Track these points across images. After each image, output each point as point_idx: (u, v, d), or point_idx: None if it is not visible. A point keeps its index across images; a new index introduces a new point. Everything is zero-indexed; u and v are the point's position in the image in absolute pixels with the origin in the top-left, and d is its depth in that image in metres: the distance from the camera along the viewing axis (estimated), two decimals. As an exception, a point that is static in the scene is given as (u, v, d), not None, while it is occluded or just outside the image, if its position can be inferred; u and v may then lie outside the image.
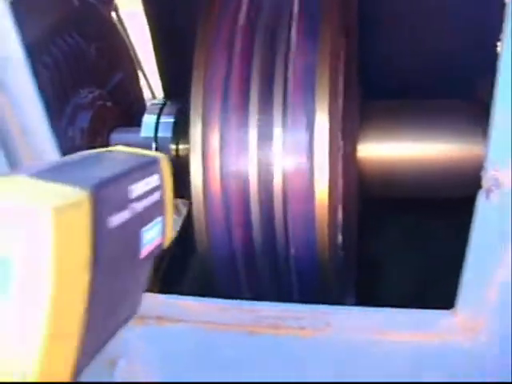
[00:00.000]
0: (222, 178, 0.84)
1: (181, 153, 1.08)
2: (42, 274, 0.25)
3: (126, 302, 0.30)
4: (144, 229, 0.31)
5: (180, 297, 0.71)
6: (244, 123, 0.84)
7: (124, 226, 0.29)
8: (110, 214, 0.28)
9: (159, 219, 0.33)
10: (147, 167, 0.34)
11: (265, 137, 0.84)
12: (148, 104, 1.24)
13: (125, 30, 1.23)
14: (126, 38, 1.24)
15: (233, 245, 0.87)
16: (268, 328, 0.70)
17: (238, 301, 0.70)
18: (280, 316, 0.69)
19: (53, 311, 0.24)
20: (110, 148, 0.38)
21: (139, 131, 1.06)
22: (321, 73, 0.82)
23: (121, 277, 0.28)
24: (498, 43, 0.56)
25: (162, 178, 0.35)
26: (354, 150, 0.97)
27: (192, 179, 0.83)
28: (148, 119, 1.08)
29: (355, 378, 0.73)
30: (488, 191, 0.57)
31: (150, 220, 0.32)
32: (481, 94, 0.93)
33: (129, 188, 0.30)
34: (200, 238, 0.85)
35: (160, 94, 1.40)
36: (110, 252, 0.28)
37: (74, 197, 0.26)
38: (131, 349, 0.74)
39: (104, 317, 0.28)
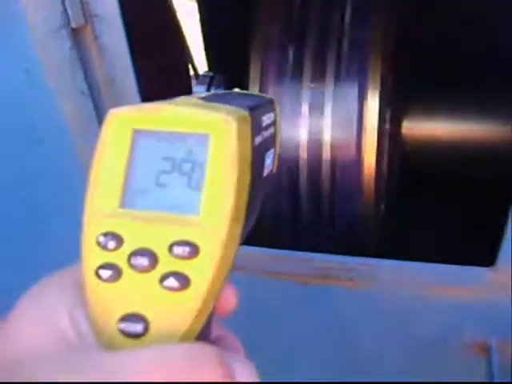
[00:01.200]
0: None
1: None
2: (229, 175, 0.30)
3: (252, 215, 0.34)
4: (266, 154, 0.36)
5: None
6: (297, 95, 0.90)
7: (259, 146, 0.33)
8: (255, 134, 0.33)
9: (272, 150, 0.37)
10: (268, 104, 0.38)
11: (316, 108, 0.89)
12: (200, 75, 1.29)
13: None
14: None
15: (282, 205, 0.92)
16: (318, 279, 0.75)
17: (292, 251, 0.75)
18: (331, 267, 0.74)
19: (235, 202, 0.30)
20: (232, 90, 0.44)
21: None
22: (373, 48, 0.88)
23: (254, 189, 0.33)
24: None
25: (275, 116, 0.39)
26: (400, 126, 1.02)
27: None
28: (198, 90, 1.14)
29: (397, 333, 0.79)
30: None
31: (268, 149, 0.36)
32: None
33: (262, 117, 0.35)
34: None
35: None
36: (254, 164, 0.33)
37: (242, 113, 0.32)
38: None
39: (247, 224, 0.33)
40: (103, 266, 0.30)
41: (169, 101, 0.34)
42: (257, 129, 0.34)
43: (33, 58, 0.64)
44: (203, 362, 0.27)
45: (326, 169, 0.91)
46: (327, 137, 0.89)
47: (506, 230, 0.67)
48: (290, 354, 0.85)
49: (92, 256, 0.30)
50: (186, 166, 0.31)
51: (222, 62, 1.30)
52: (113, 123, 0.32)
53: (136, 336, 0.29)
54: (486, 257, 0.71)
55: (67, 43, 0.63)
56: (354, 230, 0.95)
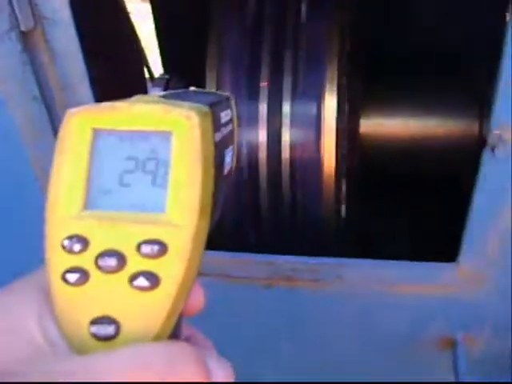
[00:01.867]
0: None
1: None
2: (194, 171, 0.30)
3: (216, 213, 0.34)
4: (226, 151, 0.35)
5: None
6: (255, 95, 0.89)
7: (219, 143, 0.33)
8: (215, 130, 0.33)
9: (231, 147, 0.37)
10: (226, 101, 0.38)
11: (274, 108, 0.88)
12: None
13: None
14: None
15: (242, 209, 0.92)
16: (282, 281, 0.74)
17: (254, 254, 0.74)
18: (294, 268, 0.74)
19: (202, 197, 0.30)
20: (189, 88, 0.43)
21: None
22: (330, 47, 0.87)
23: (217, 185, 0.33)
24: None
25: (233, 113, 0.39)
26: (357, 124, 1.02)
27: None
28: (155, 92, 1.12)
29: (363, 331, 0.79)
30: (493, 147, 0.63)
31: (228, 146, 0.36)
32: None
33: (220, 114, 0.35)
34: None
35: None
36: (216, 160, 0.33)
37: (202, 109, 0.32)
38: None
39: (212, 221, 0.32)
40: (70, 270, 0.29)
41: (128, 100, 0.33)
42: (216, 125, 0.34)
43: (-19, 62, 0.61)
44: (181, 360, 0.27)
45: (285, 169, 0.90)
46: (286, 137, 0.89)
47: (467, 226, 0.68)
48: (256, 357, 0.84)
49: (57, 260, 0.30)
50: (150, 165, 0.31)
51: (177, 64, 1.28)
52: (71, 123, 0.31)
53: (108, 338, 0.29)
54: (448, 252, 0.71)
55: (17, 46, 0.60)
56: (315, 230, 0.94)
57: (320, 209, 0.91)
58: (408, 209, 1.15)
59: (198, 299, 0.33)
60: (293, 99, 0.88)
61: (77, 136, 0.31)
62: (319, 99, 0.87)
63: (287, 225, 0.93)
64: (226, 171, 0.36)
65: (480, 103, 1.00)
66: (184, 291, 0.30)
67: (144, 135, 0.31)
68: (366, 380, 0.82)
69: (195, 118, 0.31)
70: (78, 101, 0.64)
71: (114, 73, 1.17)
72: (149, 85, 1.31)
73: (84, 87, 0.65)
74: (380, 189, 1.10)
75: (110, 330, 0.29)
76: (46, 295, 0.30)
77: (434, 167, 1.07)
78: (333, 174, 0.88)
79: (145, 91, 1.22)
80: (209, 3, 0.95)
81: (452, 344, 0.78)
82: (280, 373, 0.85)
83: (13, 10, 0.58)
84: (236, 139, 0.39)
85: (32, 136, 0.66)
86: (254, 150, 0.89)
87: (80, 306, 0.29)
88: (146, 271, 0.29)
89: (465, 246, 0.69)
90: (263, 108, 0.89)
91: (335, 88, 0.87)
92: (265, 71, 0.89)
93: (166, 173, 0.31)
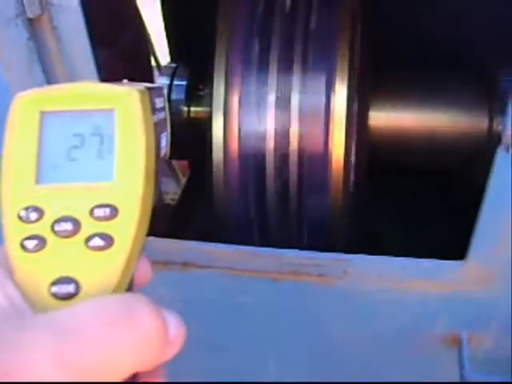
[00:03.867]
0: (241, 137, 0.88)
1: (192, 115, 1.11)
2: (138, 140, 0.33)
3: (156, 190, 0.36)
4: (161, 135, 0.38)
5: (205, 243, 0.74)
6: (263, 86, 0.88)
7: (156, 125, 0.36)
8: (152, 111, 0.36)
9: (165, 133, 0.40)
10: (159, 90, 0.40)
11: (283, 99, 0.87)
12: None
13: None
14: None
15: (248, 199, 0.91)
16: (289, 275, 0.74)
17: (262, 248, 0.74)
18: (301, 263, 0.73)
19: (146, 163, 0.33)
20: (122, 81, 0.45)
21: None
22: (339, 39, 0.86)
23: (157, 162, 0.35)
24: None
25: (165, 103, 0.41)
26: (367, 117, 1.01)
27: (213, 137, 0.87)
28: (161, 81, 1.11)
29: (368, 327, 0.78)
30: (507, 147, 0.62)
31: (162, 131, 0.39)
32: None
33: (155, 99, 0.38)
34: (217, 189, 0.89)
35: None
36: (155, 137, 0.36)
37: (141, 88, 0.35)
38: (154, 294, 0.77)
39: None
40: (27, 238, 0.31)
41: (72, 83, 0.36)
42: (153, 108, 0.36)
43: (-14, 50, 0.60)
44: (139, 307, 0.29)
45: (293, 161, 0.89)
46: (294, 128, 0.87)
47: (477, 223, 0.67)
48: (262, 352, 0.84)
49: (15, 230, 0.32)
50: (95, 140, 0.34)
51: (184, 52, 1.27)
52: (19, 107, 0.34)
53: (69, 297, 0.30)
54: (456, 250, 0.70)
55: (24, 33, 0.59)
56: (322, 224, 0.93)
57: (327, 202, 0.90)
58: (416, 204, 1.14)
59: (145, 270, 0.35)
60: (302, 89, 0.87)
61: (24, 119, 0.33)
62: (329, 90, 0.86)
63: (293, 219, 0.92)
64: (162, 153, 0.38)
65: (490, 97, 0.98)
66: (135, 249, 0.32)
67: (88, 113, 0.34)
68: (371, 376, 0.81)
69: (135, 94, 0.34)
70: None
71: (121, 61, 1.16)
72: (155, 73, 1.30)
73: (91, 74, 0.64)
74: (388, 183, 1.08)
75: (69, 288, 0.31)
76: (7, 266, 0.31)
77: (444, 162, 1.05)
78: (341, 166, 0.87)
79: (151, 80, 1.21)
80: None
81: (457, 342, 0.77)
82: (284, 368, 0.85)
83: (19, -3, 0.57)
84: (169, 127, 0.41)
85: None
86: (261, 140, 0.88)
87: (40, 270, 0.31)
88: (100, 233, 0.31)
89: (474, 243, 0.68)
90: (272, 97, 0.88)
91: (345, 79, 0.85)
92: (274, 60, 0.88)
93: (111, 146, 0.33)
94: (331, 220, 0.92)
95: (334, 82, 0.86)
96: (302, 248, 0.79)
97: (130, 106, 0.34)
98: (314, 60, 0.87)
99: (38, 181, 0.33)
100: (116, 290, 0.31)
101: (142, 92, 0.35)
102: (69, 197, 0.32)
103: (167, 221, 1.23)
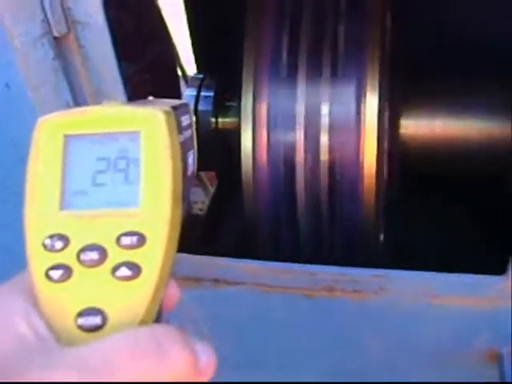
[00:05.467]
0: (270, 148, 0.86)
1: (220, 126, 1.10)
2: (165, 164, 0.32)
3: (184, 210, 0.35)
4: (188, 154, 0.37)
5: (237, 260, 0.73)
6: (293, 95, 0.86)
7: (182, 144, 0.35)
8: (178, 131, 0.35)
9: (192, 151, 0.39)
10: (185, 107, 0.40)
11: (313, 109, 0.86)
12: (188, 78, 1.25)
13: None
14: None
15: (278, 210, 0.89)
16: (323, 291, 0.72)
17: (295, 264, 0.72)
18: (335, 279, 0.71)
19: (173, 188, 0.32)
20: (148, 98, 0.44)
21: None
22: (370, 45, 0.84)
23: (184, 182, 0.35)
24: None
25: (191, 119, 0.40)
26: (398, 125, 0.98)
27: (242, 148, 0.86)
28: (189, 92, 1.10)
29: (405, 343, 0.76)
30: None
31: (189, 149, 0.38)
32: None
33: (181, 118, 0.37)
34: (247, 200, 0.87)
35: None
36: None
37: (166, 109, 0.34)
38: (185, 311, 0.76)
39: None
40: (53, 267, 0.31)
41: (96, 105, 0.36)
42: (179, 127, 0.35)
43: (13, 70, 0.60)
44: (168, 340, 0.28)
45: (323, 172, 0.87)
46: (325, 138, 0.86)
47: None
48: (296, 368, 0.82)
49: (40, 259, 0.31)
50: (121, 164, 0.33)
51: (211, 63, 1.26)
52: (43, 131, 0.33)
53: (96, 329, 0.30)
54: (496, 264, 0.68)
55: (50, 53, 0.59)
56: (354, 235, 0.92)
57: (360, 213, 0.89)
58: (449, 213, 1.11)
59: (173, 292, 0.34)
60: (332, 99, 0.86)
61: (49, 143, 0.33)
62: (359, 99, 0.84)
63: (325, 230, 0.90)
64: (189, 172, 0.38)
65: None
66: (164, 277, 0.31)
67: (113, 136, 0.33)
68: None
69: (161, 115, 0.33)
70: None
71: (147, 73, 1.16)
72: (182, 84, 1.29)
73: (117, 91, 0.63)
74: (419, 193, 1.06)
75: (96, 320, 0.30)
76: (31, 294, 0.30)
77: (477, 169, 1.03)
78: (373, 176, 0.85)
79: (178, 91, 1.20)
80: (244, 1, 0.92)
81: (498, 358, 0.75)
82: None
83: (45, 16, 0.56)
84: (195, 144, 0.41)
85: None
86: (291, 151, 0.87)
87: (65, 300, 0.30)
88: (127, 262, 0.31)
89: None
90: (301, 108, 0.86)
91: (376, 87, 0.84)
92: (303, 70, 0.87)
93: (137, 170, 0.33)
94: (363, 231, 0.90)
95: (365, 90, 0.84)
96: (333, 259, 0.78)
97: (156, 128, 0.33)
98: (344, 69, 0.85)
99: (62, 207, 0.32)
100: (144, 321, 0.30)
101: (167, 113, 0.34)
102: (95, 224, 0.32)
103: (196, 232, 1.22)
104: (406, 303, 0.71)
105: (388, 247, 0.95)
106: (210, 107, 1.09)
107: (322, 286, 0.71)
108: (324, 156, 0.86)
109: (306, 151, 0.86)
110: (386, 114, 0.89)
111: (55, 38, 0.58)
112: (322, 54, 0.87)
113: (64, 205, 0.32)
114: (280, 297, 0.73)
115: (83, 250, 0.31)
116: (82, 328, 0.30)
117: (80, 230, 0.31)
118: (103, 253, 0.31)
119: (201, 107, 1.09)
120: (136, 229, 0.31)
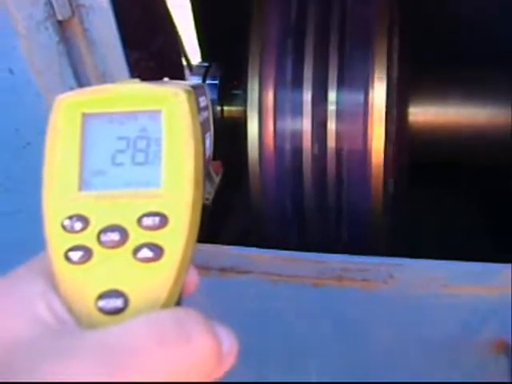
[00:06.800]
0: (277, 135, 0.86)
1: (226, 114, 1.09)
2: (187, 144, 0.32)
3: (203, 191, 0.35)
4: (205, 135, 0.36)
5: (244, 248, 0.72)
6: (299, 83, 0.85)
7: (201, 125, 0.34)
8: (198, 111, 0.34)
9: (209, 133, 0.38)
10: (201, 88, 0.39)
11: (320, 96, 0.85)
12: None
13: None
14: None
15: (285, 197, 0.89)
16: (332, 280, 0.71)
17: (303, 252, 0.71)
18: (344, 268, 0.70)
19: (195, 169, 0.31)
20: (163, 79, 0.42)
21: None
22: (378, 33, 0.83)
23: (204, 163, 0.34)
24: None
25: (208, 101, 0.40)
26: (406, 113, 0.97)
27: (249, 136, 0.85)
28: (194, 81, 1.09)
29: (414, 332, 0.75)
30: None
31: (206, 131, 0.37)
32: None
33: (199, 99, 0.36)
34: (253, 188, 0.87)
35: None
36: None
37: (187, 88, 0.34)
38: (192, 300, 0.75)
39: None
40: (72, 249, 0.30)
41: (114, 84, 0.35)
42: (198, 107, 0.35)
43: (17, 55, 0.59)
44: (193, 325, 0.28)
45: (330, 158, 0.86)
46: (332, 125, 0.85)
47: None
48: (304, 357, 0.81)
49: (59, 241, 0.30)
50: (141, 143, 0.32)
51: (215, 51, 1.25)
52: (60, 109, 0.32)
53: (117, 312, 0.29)
54: (505, 253, 0.67)
55: (54, 37, 0.58)
56: (361, 222, 0.91)
57: (367, 200, 0.88)
58: (456, 201, 1.10)
59: (193, 278, 0.34)
60: (339, 86, 0.85)
61: (67, 122, 0.32)
62: (367, 85, 0.83)
63: (332, 217, 0.90)
64: (207, 155, 0.37)
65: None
66: (186, 260, 0.30)
67: (133, 115, 0.33)
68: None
69: (183, 94, 0.32)
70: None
71: (151, 61, 1.14)
72: (186, 72, 1.28)
73: (123, 75, 0.62)
74: (429, 182, 1.05)
75: (118, 302, 0.29)
76: (50, 277, 0.30)
77: (486, 157, 1.01)
78: (381, 163, 0.84)
79: (183, 78, 1.19)
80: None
81: (505, 348, 0.74)
82: (326, 373, 0.82)
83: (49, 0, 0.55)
84: (212, 127, 0.40)
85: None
86: (298, 138, 0.86)
87: (85, 282, 0.29)
88: (148, 243, 0.30)
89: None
90: (308, 95, 0.85)
91: (384, 73, 0.83)
92: (309, 57, 0.86)
93: (158, 149, 0.32)
94: (371, 218, 0.89)
95: (373, 76, 0.83)
96: (340, 247, 0.77)
97: (178, 107, 0.32)
98: (351, 56, 0.84)
99: (81, 187, 0.31)
100: (166, 304, 0.30)
101: (188, 92, 0.33)
102: (115, 205, 0.31)
103: (202, 221, 1.21)
104: (416, 292, 0.70)
105: (396, 236, 0.94)
106: (215, 95, 1.08)
107: (330, 274, 0.70)
108: (331, 144, 0.85)
109: (313, 139, 0.85)
110: (394, 100, 0.88)
111: (59, 22, 0.57)
112: (329, 41, 0.86)
113: (83, 185, 0.32)
114: (288, 286, 0.72)
115: (103, 230, 0.30)
116: (102, 311, 0.29)
117: (100, 210, 0.31)
118: (124, 234, 0.30)
119: (206, 95, 1.08)
120: (158, 209, 0.30)
